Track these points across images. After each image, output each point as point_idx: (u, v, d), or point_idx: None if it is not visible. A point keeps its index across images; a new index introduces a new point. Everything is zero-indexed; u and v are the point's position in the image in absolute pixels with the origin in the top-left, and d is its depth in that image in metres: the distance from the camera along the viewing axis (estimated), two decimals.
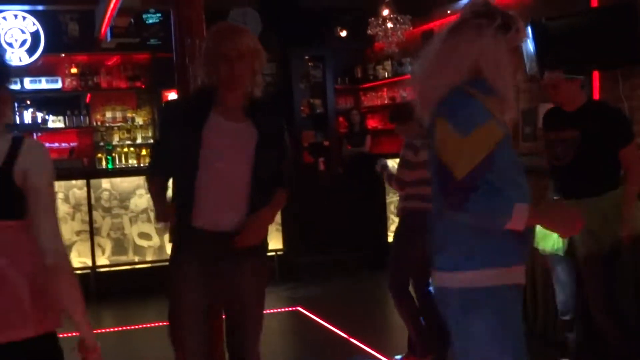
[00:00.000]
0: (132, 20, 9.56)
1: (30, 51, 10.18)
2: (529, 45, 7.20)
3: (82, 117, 10.60)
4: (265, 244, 3.34)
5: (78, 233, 7.79)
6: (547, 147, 4.35)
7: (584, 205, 3.99)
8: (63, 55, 10.50)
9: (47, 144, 9.46)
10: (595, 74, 6.60)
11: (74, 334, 2.32)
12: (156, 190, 3.29)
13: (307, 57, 12.08)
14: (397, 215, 5.18)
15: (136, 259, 8.08)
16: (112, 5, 7.72)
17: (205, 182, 3.10)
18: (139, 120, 10.91)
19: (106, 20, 8.48)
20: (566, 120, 4.24)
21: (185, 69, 3.96)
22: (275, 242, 8.47)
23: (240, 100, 3.22)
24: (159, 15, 10.62)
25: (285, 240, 8.49)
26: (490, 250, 2.35)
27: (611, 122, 4.18)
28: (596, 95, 6.57)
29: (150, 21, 10.66)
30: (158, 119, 3.25)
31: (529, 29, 7.05)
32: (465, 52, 2.36)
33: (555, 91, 4.27)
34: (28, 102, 10.35)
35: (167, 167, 3.24)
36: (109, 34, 8.99)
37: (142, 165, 10.50)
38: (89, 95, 10.68)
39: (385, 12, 9.00)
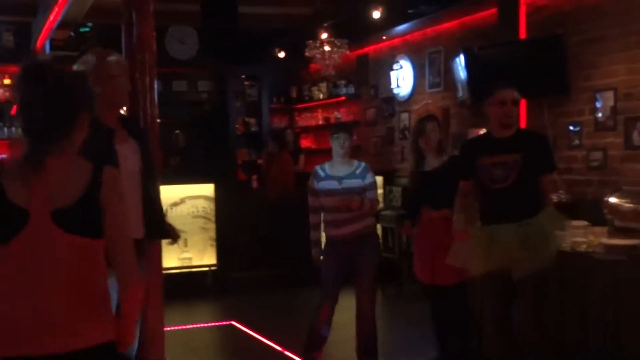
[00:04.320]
0: (72, 33, 9.52)
1: None
2: (461, 72, 7.49)
3: (14, 128, 10.47)
4: None
5: None
6: (480, 173, 4.38)
7: (524, 225, 4.19)
8: None
9: None
10: (523, 102, 6.90)
11: None
12: None
13: (243, 76, 12.21)
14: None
15: None
16: (52, 17, 7.68)
17: None
18: None
19: (43, 32, 8.43)
20: (503, 144, 4.34)
21: (135, 83, 4.06)
22: (209, 258, 8.56)
23: (117, 120, 3.31)
24: (89, 24, 10.55)
25: (219, 256, 8.58)
26: None
27: (544, 149, 4.41)
28: (523, 123, 6.87)
29: (82, 30, 10.57)
30: None
31: (462, 57, 7.35)
32: None
33: (512, 108, 4.36)
34: None
35: None
36: (47, 46, 8.94)
37: None
38: (15, 107, 10.52)
39: (324, 36, 9.19)
